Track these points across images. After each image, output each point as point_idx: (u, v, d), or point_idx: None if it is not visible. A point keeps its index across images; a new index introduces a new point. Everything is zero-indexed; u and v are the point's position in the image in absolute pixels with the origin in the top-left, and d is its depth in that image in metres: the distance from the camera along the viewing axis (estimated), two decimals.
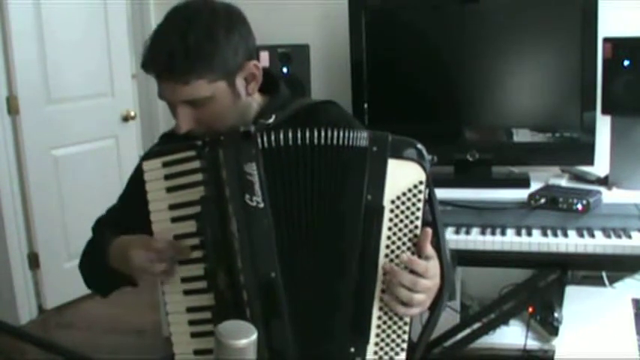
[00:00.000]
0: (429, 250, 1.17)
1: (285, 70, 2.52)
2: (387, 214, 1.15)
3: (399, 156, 1.16)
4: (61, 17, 3.31)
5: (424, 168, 1.16)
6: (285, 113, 1.31)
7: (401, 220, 1.16)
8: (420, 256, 1.16)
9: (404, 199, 1.16)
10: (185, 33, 1.17)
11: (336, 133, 1.16)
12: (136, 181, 1.28)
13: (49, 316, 3.41)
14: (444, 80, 2.44)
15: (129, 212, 1.33)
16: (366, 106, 2.46)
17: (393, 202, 1.15)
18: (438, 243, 1.21)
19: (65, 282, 3.35)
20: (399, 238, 1.16)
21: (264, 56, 2.50)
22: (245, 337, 0.95)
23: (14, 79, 3.16)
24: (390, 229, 1.16)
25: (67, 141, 3.45)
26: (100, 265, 1.31)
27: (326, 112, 1.38)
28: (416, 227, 1.16)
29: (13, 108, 3.19)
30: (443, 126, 2.44)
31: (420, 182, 1.16)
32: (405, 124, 2.35)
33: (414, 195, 1.16)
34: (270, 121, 1.28)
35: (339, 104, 1.42)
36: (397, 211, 1.16)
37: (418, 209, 1.16)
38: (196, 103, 1.22)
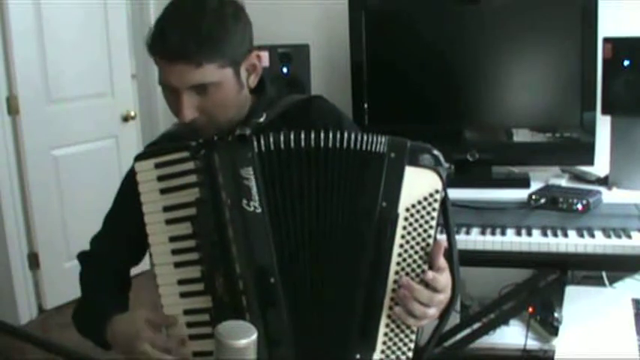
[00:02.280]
0: (442, 261, 1.15)
1: (285, 70, 2.52)
2: (400, 222, 1.13)
3: (416, 163, 1.13)
4: (61, 17, 3.30)
5: (440, 176, 1.14)
6: (275, 111, 1.30)
7: (414, 229, 1.13)
8: (432, 267, 1.14)
9: (419, 207, 1.13)
10: (197, 16, 1.17)
11: (355, 137, 1.14)
12: (126, 191, 1.25)
13: (49, 316, 3.40)
14: (444, 80, 2.44)
15: (122, 231, 1.30)
16: (366, 106, 2.46)
17: (407, 210, 1.13)
18: (450, 251, 1.18)
19: (65, 282, 3.34)
20: (412, 247, 1.14)
21: (264, 56, 2.50)
22: (245, 337, 0.95)
23: (14, 79, 3.15)
24: (403, 237, 1.13)
25: (67, 141, 3.45)
26: (98, 336, 1.28)
27: (315, 108, 1.36)
28: (429, 236, 1.14)
29: (13, 108, 3.18)
30: (443, 126, 2.44)
31: (436, 191, 1.13)
32: (405, 124, 2.37)
33: (430, 204, 1.13)
34: (262, 119, 1.27)
35: (326, 99, 1.40)
36: (411, 220, 1.13)
37: (432, 218, 1.14)
38: (204, 89, 1.19)
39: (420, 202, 1.13)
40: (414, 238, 1.14)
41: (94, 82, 3.54)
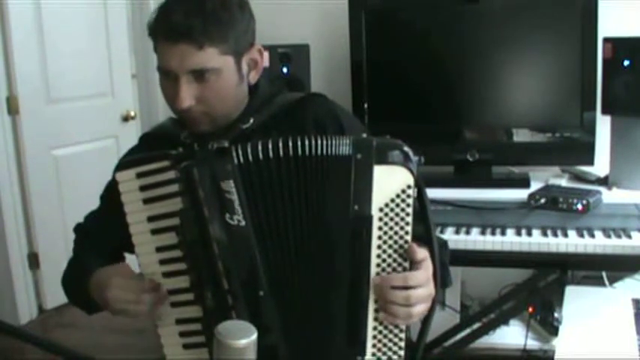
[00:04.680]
0: (419, 257, 1.13)
1: (285, 70, 2.52)
2: (375, 223, 1.11)
3: (384, 161, 1.10)
4: (61, 17, 3.30)
5: (411, 170, 1.11)
6: (264, 115, 1.29)
7: (391, 228, 1.12)
8: (412, 263, 1.13)
9: (392, 205, 1.11)
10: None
11: (316, 142, 1.12)
12: (113, 190, 1.24)
13: (49, 316, 3.41)
14: (444, 80, 2.44)
15: (109, 221, 1.30)
16: (366, 106, 2.46)
17: (381, 209, 1.11)
18: (431, 244, 1.17)
19: None
20: (390, 246, 1.12)
21: (265, 56, 2.50)
22: (245, 337, 0.95)
23: (14, 79, 3.16)
24: (379, 237, 1.12)
25: (67, 141, 3.45)
26: (82, 294, 1.28)
27: (308, 108, 1.33)
28: (407, 233, 1.12)
29: (13, 108, 3.19)
30: (443, 126, 2.44)
31: (408, 186, 1.11)
32: (405, 124, 2.37)
33: (403, 200, 1.11)
34: (248, 125, 1.26)
35: (323, 95, 1.38)
36: (386, 219, 1.11)
37: (408, 214, 1.11)
38: (203, 75, 1.18)
39: (393, 200, 1.11)
40: (391, 237, 1.12)
41: (94, 82, 3.54)
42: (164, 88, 1.24)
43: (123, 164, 1.22)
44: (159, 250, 1.18)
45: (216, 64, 1.18)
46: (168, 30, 1.17)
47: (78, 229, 1.46)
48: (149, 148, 1.28)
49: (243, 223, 1.11)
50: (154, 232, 1.18)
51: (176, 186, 1.15)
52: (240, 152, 1.12)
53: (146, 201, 1.18)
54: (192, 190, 1.11)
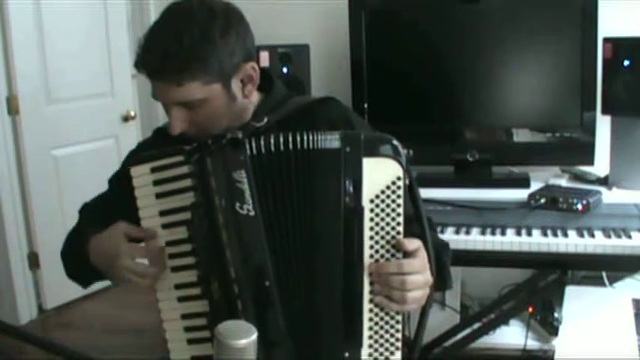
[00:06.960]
0: (411, 247, 1.15)
1: (285, 70, 2.52)
2: (367, 215, 1.13)
3: (373, 154, 1.13)
4: (61, 18, 3.30)
5: (400, 163, 1.13)
6: (278, 115, 1.29)
7: (382, 219, 1.14)
8: (406, 255, 1.14)
9: (383, 197, 1.13)
10: (180, 33, 1.15)
11: (304, 137, 1.14)
12: (122, 178, 1.26)
13: (49, 316, 3.40)
14: (444, 80, 2.44)
15: (115, 206, 1.31)
16: (366, 106, 2.46)
17: (372, 201, 1.13)
18: (423, 235, 1.19)
19: (65, 282, 3.30)
20: (382, 237, 1.14)
21: (264, 56, 2.50)
22: (245, 337, 0.95)
23: (14, 79, 3.16)
24: (371, 229, 1.14)
25: (67, 141, 3.45)
26: (80, 260, 1.29)
27: (323, 110, 1.35)
28: (398, 224, 1.14)
29: (13, 108, 3.18)
30: (443, 126, 2.44)
31: (398, 178, 1.13)
32: (405, 124, 2.37)
33: (393, 192, 1.13)
34: (262, 123, 1.26)
35: (337, 100, 1.40)
36: (377, 210, 1.13)
37: (399, 205, 1.13)
38: (190, 104, 1.20)
39: (383, 192, 1.13)
40: (382, 229, 1.14)
41: (94, 82, 3.54)
42: (165, 111, 1.25)
43: (137, 159, 1.23)
44: (168, 244, 1.19)
45: (199, 95, 1.18)
46: (147, 69, 1.19)
47: (84, 208, 1.48)
48: (162, 142, 1.29)
49: (252, 213, 1.14)
50: (165, 226, 1.19)
51: (189, 180, 1.17)
52: (253, 144, 1.14)
53: (159, 195, 1.19)
54: (204, 180, 1.14)
